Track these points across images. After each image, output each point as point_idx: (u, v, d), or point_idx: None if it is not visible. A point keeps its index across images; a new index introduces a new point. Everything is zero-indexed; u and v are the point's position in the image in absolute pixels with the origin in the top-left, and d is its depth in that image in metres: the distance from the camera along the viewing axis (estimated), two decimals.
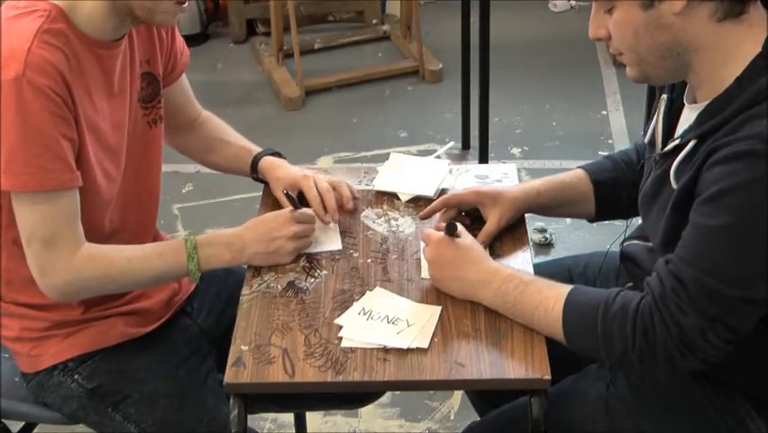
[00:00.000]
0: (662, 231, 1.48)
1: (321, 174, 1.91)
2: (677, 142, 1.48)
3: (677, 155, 1.47)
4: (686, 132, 1.48)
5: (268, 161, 1.93)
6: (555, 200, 1.81)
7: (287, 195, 1.78)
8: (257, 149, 1.97)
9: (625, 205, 1.77)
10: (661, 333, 1.40)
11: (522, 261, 1.73)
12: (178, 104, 1.92)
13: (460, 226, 1.65)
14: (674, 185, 1.46)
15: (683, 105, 1.54)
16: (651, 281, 1.44)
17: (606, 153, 1.89)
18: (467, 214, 1.83)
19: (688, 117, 1.50)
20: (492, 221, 1.76)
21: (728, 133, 1.37)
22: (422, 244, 1.70)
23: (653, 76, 1.51)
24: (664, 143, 1.54)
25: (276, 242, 1.72)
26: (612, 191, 1.79)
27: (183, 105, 1.95)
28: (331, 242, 1.80)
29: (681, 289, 1.39)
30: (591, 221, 1.87)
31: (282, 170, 1.91)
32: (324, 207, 1.82)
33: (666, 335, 1.40)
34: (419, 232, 1.80)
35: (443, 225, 1.66)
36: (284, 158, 1.96)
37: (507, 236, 1.79)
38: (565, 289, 1.52)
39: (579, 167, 1.83)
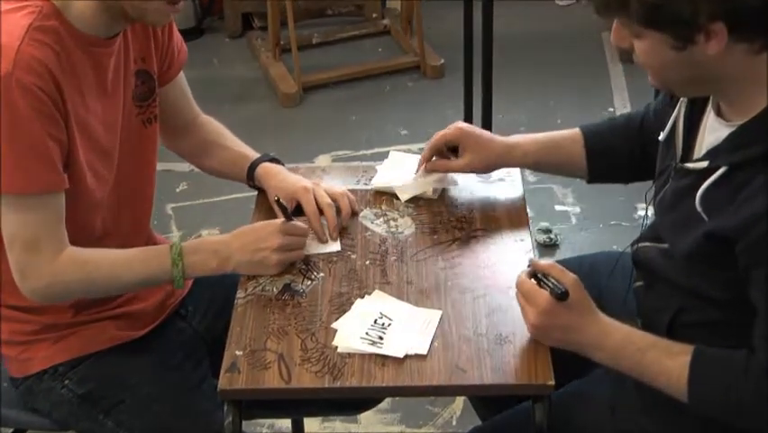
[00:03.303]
0: (689, 252, 1.44)
1: (319, 177, 1.88)
2: (705, 164, 1.42)
3: (703, 177, 1.41)
4: (714, 151, 1.42)
5: (265, 168, 1.89)
6: (544, 161, 1.82)
7: (278, 203, 1.75)
8: (255, 154, 1.93)
9: (623, 172, 1.79)
10: None
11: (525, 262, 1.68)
12: (175, 104, 1.88)
13: (569, 281, 1.48)
14: (702, 213, 1.41)
15: (704, 109, 1.49)
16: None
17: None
18: (453, 150, 1.83)
19: (714, 129, 1.45)
20: (461, 163, 1.80)
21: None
22: (514, 288, 1.55)
23: (677, 93, 1.49)
24: (684, 152, 1.50)
25: (261, 253, 1.68)
26: (606, 161, 1.78)
27: (180, 106, 1.91)
28: (328, 243, 1.77)
29: None
30: (588, 182, 1.84)
31: (280, 179, 1.86)
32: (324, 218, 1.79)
33: None
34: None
35: (530, 271, 1.50)
36: (282, 164, 1.92)
37: (509, 237, 1.77)
38: (687, 357, 1.42)
39: (580, 127, 1.81)
